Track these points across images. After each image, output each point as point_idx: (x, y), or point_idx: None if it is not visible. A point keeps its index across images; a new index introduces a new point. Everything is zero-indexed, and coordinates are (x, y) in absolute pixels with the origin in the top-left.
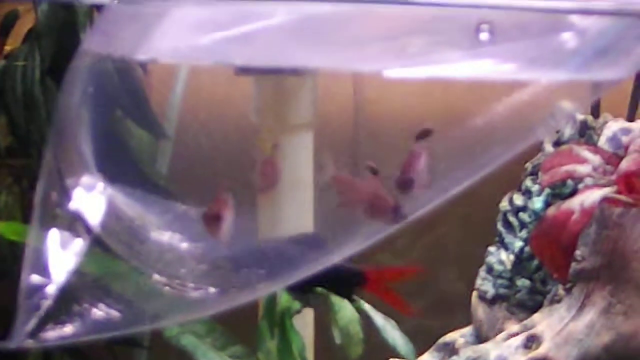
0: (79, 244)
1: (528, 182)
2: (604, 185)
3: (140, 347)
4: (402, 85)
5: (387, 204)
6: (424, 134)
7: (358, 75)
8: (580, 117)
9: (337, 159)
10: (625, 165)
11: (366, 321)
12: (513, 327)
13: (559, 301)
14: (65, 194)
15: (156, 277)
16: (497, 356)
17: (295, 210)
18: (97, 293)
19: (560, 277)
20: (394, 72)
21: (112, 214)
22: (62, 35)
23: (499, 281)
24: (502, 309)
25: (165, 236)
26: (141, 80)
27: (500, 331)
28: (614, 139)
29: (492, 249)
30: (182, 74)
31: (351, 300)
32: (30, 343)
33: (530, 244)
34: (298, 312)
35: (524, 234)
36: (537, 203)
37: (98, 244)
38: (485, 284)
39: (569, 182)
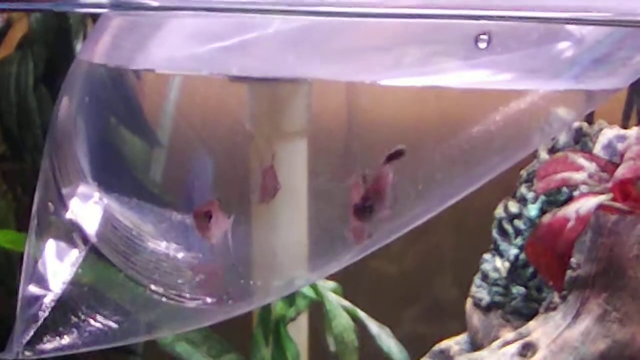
0: (75, 254)
1: (523, 189)
2: (600, 193)
3: (134, 354)
4: (396, 93)
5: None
6: (395, 156)
7: (352, 83)
8: (575, 124)
9: (332, 166)
10: (620, 172)
11: (361, 329)
12: (508, 334)
13: (554, 309)
14: (62, 204)
15: (153, 287)
16: None
17: (289, 218)
18: (94, 303)
19: (555, 284)
20: (391, 82)
21: (108, 223)
22: (55, 43)
23: (494, 288)
24: (497, 316)
25: (161, 246)
26: (134, 87)
27: (496, 339)
28: (609, 146)
29: (487, 256)
30: (175, 81)
31: None
32: (27, 354)
33: (526, 251)
34: (292, 319)
35: (519, 241)
36: (532, 210)
37: (95, 253)
38: (480, 291)
39: (564, 189)
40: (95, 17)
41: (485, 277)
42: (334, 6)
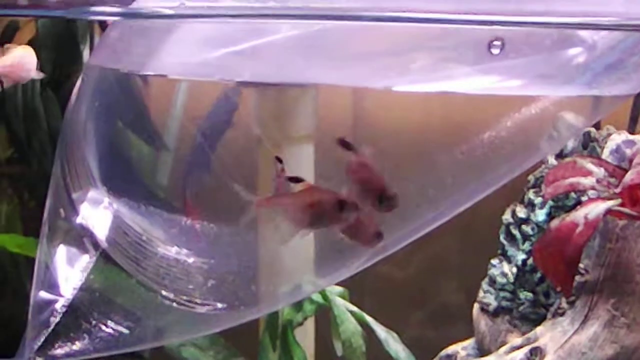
0: (86, 260)
1: (531, 195)
2: (608, 198)
3: (141, 358)
4: (402, 98)
5: (367, 227)
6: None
7: (358, 88)
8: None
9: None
10: (629, 177)
11: (368, 334)
12: (516, 340)
13: (562, 314)
14: (72, 209)
15: (163, 292)
16: None
17: None
18: (105, 309)
19: (563, 290)
20: (403, 88)
21: (119, 229)
22: (62, 47)
23: (502, 294)
24: (505, 321)
25: (171, 251)
26: (141, 92)
27: (503, 344)
28: (617, 151)
29: (494, 261)
30: (183, 85)
31: None
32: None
33: (534, 256)
34: (300, 324)
35: (526, 246)
36: (540, 215)
37: (105, 259)
38: (487, 296)
39: (573, 194)
40: (102, 22)
41: (492, 282)
42: (344, 11)
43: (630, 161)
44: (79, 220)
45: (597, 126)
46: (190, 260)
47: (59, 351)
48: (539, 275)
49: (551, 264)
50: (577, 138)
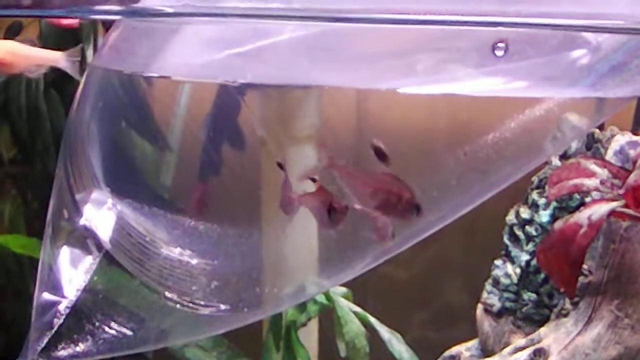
0: (90, 261)
1: (534, 195)
2: (612, 199)
3: (143, 359)
4: (406, 99)
5: (404, 198)
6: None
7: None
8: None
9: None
10: (633, 178)
11: (372, 334)
12: (519, 341)
13: (565, 315)
14: (76, 210)
15: (167, 294)
16: None
17: (300, 224)
18: (108, 310)
19: (567, 291)
20: (407, 89)
21: (122, 230)
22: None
23: (505, 294)
24: (508, 322)
25: (175, 252)
26: (145, 92)
27: (507, 345)
28: (621, 153)
29: (498, 262)
30: (187, 86)
31: None
32: None
33: (537, 257)
34: (303, 325)
35: (530, 247)
36: (544, 216)
37: (109, 260)
38: (491, 297)
39: (576, 195)
40: (105, 22)
41: (496, 283)
42: (348, 12)
43: (634, 162)
44: (82, 221)
45: (601, 127)
46: (194, 261)
47: (62, 353)
48: (542, 276)
49: (555, 264)
50: (581, 139)
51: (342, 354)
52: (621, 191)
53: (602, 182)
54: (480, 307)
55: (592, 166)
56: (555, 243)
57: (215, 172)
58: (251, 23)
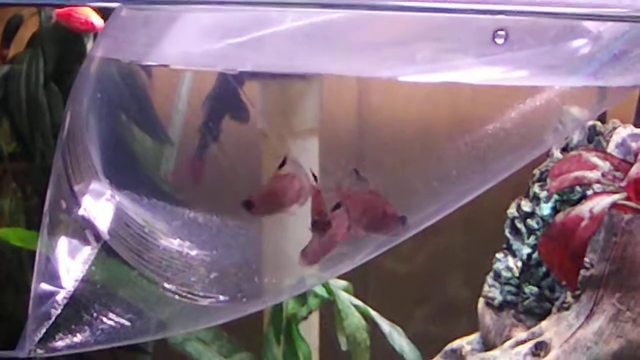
0: (88, 252)
1: (536, 188)
2: (613, 192)
3: (144, 353)
4: (407, 90)
5: (389, 214)
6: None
7: (363, 80)
8: (589, 122)
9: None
10: (634, 171)
11: (373, 328)
12: (521, 334)
13: (567, 308)
14: (74, 201)
15: (165, 285)
16: None
17: (300, 217)
18: (106, 301)
19: (568, 284)
20: (407, 78)
21: (121, 221)
22: (65, 40)
23: (507, 288)
24: (510, 315)
25: (174, 243)
26: (145, 84)
27: (508, 338)
28: (623, 145)
29: (499, 255)
30: (187, 79)
31: None
32: (39, 352)
33: (539, 250)
34: (304, 318)
35: (531, 240)
36: (545, 209)
37: (107, 251)
38: (492, 290)
39: (578, 188)
40: (105, 15)
41: (497, 276)
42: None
43: (636, 155)
44: (80, 212)
45: (603, 119)
46: (193, 252)
47: (59, 343)
48: (544, 269)
49: (556, 258)
50: (582, 131)
51: (343, 347)
52: (623, 184)
53: (603, 175)
54: (481, 300)
55: (594, 159)
56: (556, 236)
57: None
58: (251, 11)
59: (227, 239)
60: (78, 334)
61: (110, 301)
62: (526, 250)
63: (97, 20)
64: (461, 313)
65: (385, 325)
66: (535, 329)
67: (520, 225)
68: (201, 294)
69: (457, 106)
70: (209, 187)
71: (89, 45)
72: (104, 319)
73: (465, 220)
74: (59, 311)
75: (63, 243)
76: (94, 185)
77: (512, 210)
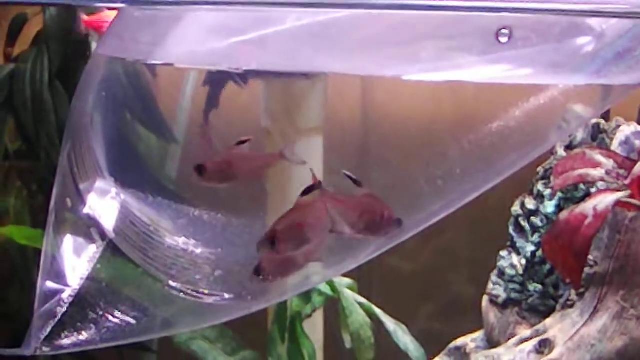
0: (93, 250)
1: (540, 186)
2: (617, 190)
3: (149, 351)
4: (411, 88)
5: (385, 216)
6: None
7: (367, 78)
8: (592, 120)
9: (346, 162)
10: (638, 169)
11: (377, 326)
12: (525, 331)
13: (571, 306)
14: (79, 199)
15: (171, 283)
16: None
17: None
18: (111, 299)
19: (572, 281)
20: (411, 77)
21: (126, 219)
22: (70, 39)
23: (511, 285)
24: (514, 313)
25: (179, 242)
26: (150, 83)
27: (512, 336)
28: (626, 143)
29: (503, 253)
30: (192, 77)
31: None
32: (45, 350)
33: (543, 248)
34: (308, 316)
35: (535, 238)
36: (549, 207)
37: (112, 249)
38: (496, 288)
39: (582, 186)
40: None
41: (501, 274)
42: None
43: None
44: (86, 210)
45: (607, 117)
46: (198, 250)
47: (65, 341)
48: (548, 267)
49: (560, 255)
50: (586, 129)
51: (348, 345)
52: (627, 181)
53: (607, 173)
54: (485, 298)
55: (598, 156)
56: (560, 234)
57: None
58: (255, 11)
59: (232, 237)
60: (83, 332)
61: (115, 299)
62: (530, 248)
63: None
64: (465, 311)
65: (389, 322)
66: (539, 326)
67: (524, 223)
68: (206, 292)
69: (461, 104)
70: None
71: (94, 44)
72: (110, 317)
73: (470, 218)
74: (64, 309)
75: (69, 241)
76: (99, 184)
77: (516, 208)
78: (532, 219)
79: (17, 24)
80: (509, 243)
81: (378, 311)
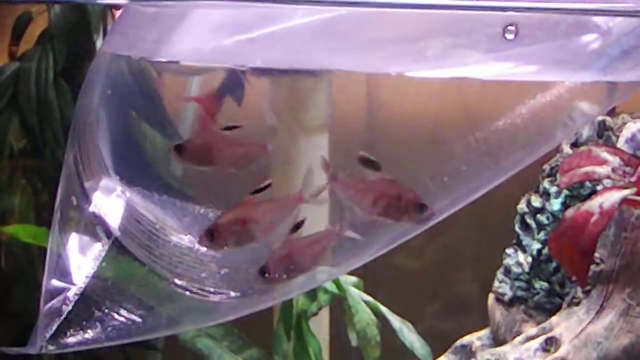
0: (99, 248)
1: (546, 184)
2: (623, 187)
3: (154, 349)
4: (417, 86)
5: (405, 199)
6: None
7: (373, 76)
8: (598, 117)
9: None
10: None
11: (383, 324)
12: (531, 329)
13: (577, 303)
14: (85, 197)
15: (176, 281)
16: (515, 359)
17: (310, 213)
18: (117, 297)
19: (579, 279)
20: (417, 73)
21: (131, 217)
22: (75, 37)
23: (517, 283)
24: (520, 311)
25: (184, 239)
26: (155, 81)
27: (518, 334)
28: (633, 140)
29: (509, 250)
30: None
31: None
32: (50, 348)
33: (549, 246)
34: (314, 314)
35: (541, 235)
36: (555, 205)
37: (118, 247)
38: (502, 286)
39: (588, 183)
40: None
41: (507, 272)
42: None
43: None
44: (91, 208)
45: (612, 115)
46: (203, 248)
47: (71, 340)
48: (554, 264)
49: (566, 253)
50: (592, 127)
51: (353, 343)
52: (633, 179)
53: (613, 170)
54: (491, 296)
55: (604, 154)
56: (566, 231)
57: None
58: (260, 8)
59: None
60: (89, 331)
61: (121, 297)
62: (536, 246)
63: None
64: (471, 309)
65: (395, 321)
66: (545, 324)
67: (530, 221)
68: (212, 290)
69: (467, 102)
70: (218, 183)
71: (99, 42)
72: (115, 316)
73: (476, 216)
74: (69, 308)
75: (74, 240)
76: (105, 182)
77: (522, 206)
78: (538, 216)
79: (22, 22)
80: (515, 241)
81: (384, 309)
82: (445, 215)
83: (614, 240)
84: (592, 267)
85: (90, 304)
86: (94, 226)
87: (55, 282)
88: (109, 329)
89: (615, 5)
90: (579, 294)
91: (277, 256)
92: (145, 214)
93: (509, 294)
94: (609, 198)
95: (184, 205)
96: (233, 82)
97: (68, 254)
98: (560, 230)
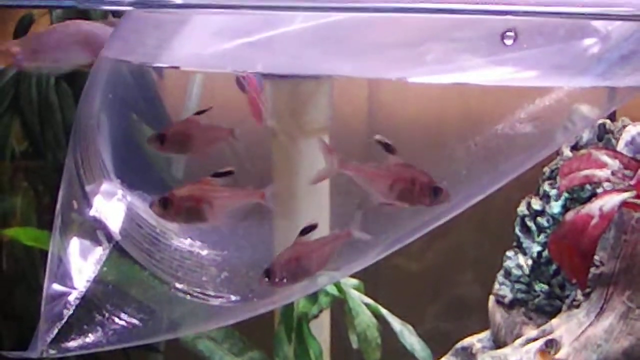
0: (99, 252)
1: (546, 187)
2: (623, 190)
3: (155, 351)
4: (418, 90)
5: (420, 183)
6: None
7: (373, 81)
8: (598, 121)
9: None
10: None
11: (384, 326)
12: (531, 332)
13: (577, 306)
14: (86, 201)
15: (177, 285)
16: None
17: (311, 215)
18: (118, 301)
19: (579, 282)
20: (417, 79)
21: (132, 221)
22: None
23: (517, 286)
24: (520, 313)
25: (185, 243)
26: (156, 85)
27: (518, 336)
28: (632, 143)
29: (510, 253)
30: (197, 79)
31: None
32: (51, 352)
33: (549, 248)
34: (315, 317)
35: (542, 238)
36: (555, 207)
37: (118, 251)
38: (503, 288)
39: (588, 186)
40: (116, 15)
41: (508, 274)
42: (357, 2)
43: None
44: (92, 212)
45: (612, 118)
46: (204, 252)
47: (72, 344)
48: (554, 267)
49: (566, 256)
50: (592, 130)
51: (354, 345)
52: (632, 182)
53: (613, 173)
54: (492, 298)
55: (604, 157)
56: (566, 234)
57: None
58: (261, 13)
59: (238, 239)
60: (90, 334)
61: (121, 301)
62: (536, 249)
63: None
64: (472, 311)
65: (396, 323)
66: (545, 326)
67: (530, 224)
68: (212, 293)
69: (467, 106)
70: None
71: None
72: (116, 319)
73: (476, 218)
74: (71, 311)
75: (75, 243)
76: (106, 186)
77: (522, 209)
78: (539, 219)
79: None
80: (515, 243)
81: (384, 311)
82: (446, 218)
83: (613, 243)
84: (592, 269)
85: (91, 307)
86: (95, 230)
87: (57, 286)
88: (110, 332)
89: (615, 9)
90: (579, 296)
91: (284, 259)
92: (146, 217)
93: (509, 296)
94: (609, 201)
95: None
96: None
97: (69, 258)
98: (560, 232)
